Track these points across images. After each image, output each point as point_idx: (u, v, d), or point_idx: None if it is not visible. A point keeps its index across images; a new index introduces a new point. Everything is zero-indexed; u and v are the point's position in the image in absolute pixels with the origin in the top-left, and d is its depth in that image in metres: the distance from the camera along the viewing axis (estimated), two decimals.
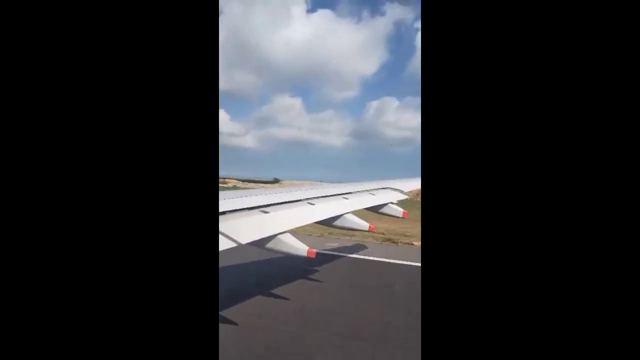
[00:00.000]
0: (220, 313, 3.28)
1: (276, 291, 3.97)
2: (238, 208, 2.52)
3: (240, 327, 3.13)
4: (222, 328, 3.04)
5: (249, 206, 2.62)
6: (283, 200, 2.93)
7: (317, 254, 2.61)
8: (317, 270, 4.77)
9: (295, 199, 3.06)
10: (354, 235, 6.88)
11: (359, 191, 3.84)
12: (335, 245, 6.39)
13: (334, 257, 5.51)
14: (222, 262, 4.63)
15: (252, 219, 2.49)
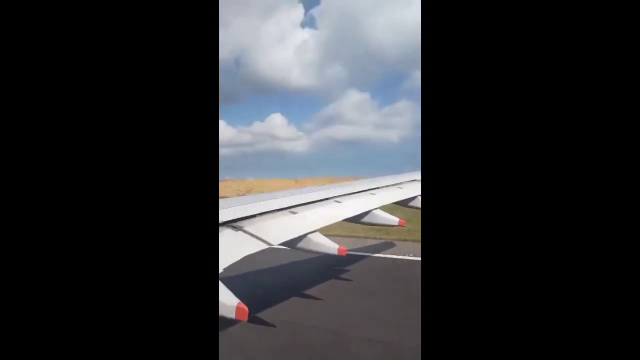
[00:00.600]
0: (258, 315, 3.31)
1: (310, 292, 3.96)
2: (267, 210, 2.54)
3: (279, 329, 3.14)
4: (261, 330, 3.07)
5: (277, 208, 2.63)
6: (310, 200, 2.92)
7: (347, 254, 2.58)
8: (348, 270, 4.73)
9: (322, 198, 3.05)
10: (386, 232, 6.76)
11: (386, 185, 3.77)
12: (365, 244, 6.32)
13: (362, 257, 5.45)
14: (257, 265, 4.69)
15: (280, 220, 2.50)
